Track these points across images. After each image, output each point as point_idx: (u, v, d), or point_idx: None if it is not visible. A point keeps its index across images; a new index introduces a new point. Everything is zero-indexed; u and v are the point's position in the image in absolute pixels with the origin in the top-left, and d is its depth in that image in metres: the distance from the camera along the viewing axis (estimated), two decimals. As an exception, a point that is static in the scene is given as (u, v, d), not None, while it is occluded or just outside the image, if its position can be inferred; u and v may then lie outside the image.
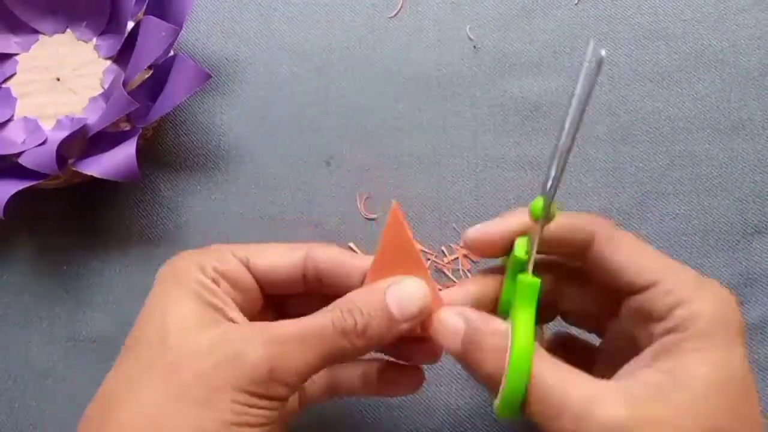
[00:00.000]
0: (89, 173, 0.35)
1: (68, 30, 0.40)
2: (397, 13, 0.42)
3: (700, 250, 0.38)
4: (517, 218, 0.26)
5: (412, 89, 0.41)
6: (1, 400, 0.38)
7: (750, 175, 0.38)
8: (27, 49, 0.40)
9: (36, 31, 0.40)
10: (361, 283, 0.27)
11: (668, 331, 0.23)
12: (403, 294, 0.25)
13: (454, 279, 0.38)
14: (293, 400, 0.29)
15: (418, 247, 0.25)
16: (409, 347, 0.28)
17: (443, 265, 0.38)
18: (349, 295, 0.25)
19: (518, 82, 0.41)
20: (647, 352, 0.24)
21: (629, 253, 0.25)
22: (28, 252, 0.40)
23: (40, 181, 0.35)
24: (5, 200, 0.35)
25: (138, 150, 0.35)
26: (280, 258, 0.27)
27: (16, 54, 0.40)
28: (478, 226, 0.27)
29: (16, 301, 0.39)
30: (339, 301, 0.25)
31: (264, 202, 0.40)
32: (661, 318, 0.24)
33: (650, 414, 0.22)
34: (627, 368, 0.24)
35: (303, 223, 0.39)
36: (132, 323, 0.38)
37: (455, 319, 0.25)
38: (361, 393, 0.30)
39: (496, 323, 0.24)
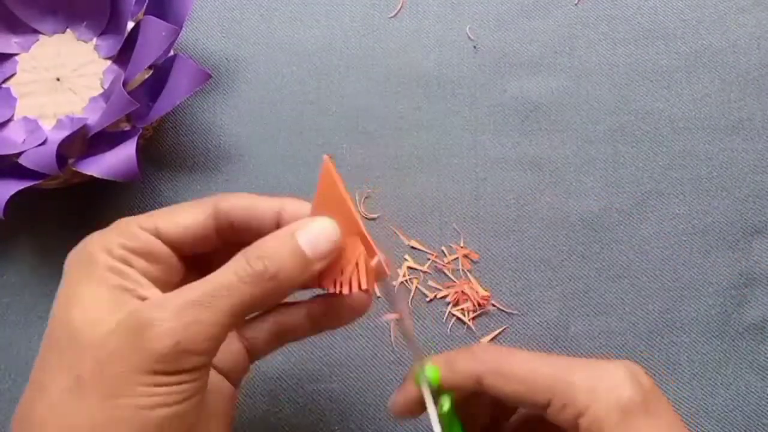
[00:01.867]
0: (89, 173, 0.35)
1: (68, 30, 0.40)
2: (397, 13, 0.42)
3: (700, 250, 0.38)
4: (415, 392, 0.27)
5: (412, 89, 0.41)
6: (1, 400, 0.38)
7: (750, 175, 0.38)
8: (27, 49, 0.40)
9: (36, 31, 0.40)
10: (276, 226, 0.26)
11: None
12: (314, 233, 0.24)
13: (454, 279, 0.38)
14: (240, 358, 0.28)
15: (353, 204, 0.25)
16: (332, 306, 0.28)
17: (443, 265, 0.38)
18: (258, 242, 0.24)
19: (518, 82, 0.41)
20: None
21: (519, 379, 0.26)
22: (28, 252, 0.40)
23: (40, 181, 0.35)
24: (5, 200, 0.35)
25: (138, 150, 0.35)
26: (188, 218, 0.26)
27: (16, 54, 0.40)
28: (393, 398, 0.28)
29: (16, 301, 0.39)
30: (246, 250, 0.24)
31: (264, 202, 0.40)
32: (571, 429, 0.25)
33: None
34: None
35: (303, 223, 0.39)
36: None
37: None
38: (309, 333, 0.28)
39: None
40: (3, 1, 0.39)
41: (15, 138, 0.38)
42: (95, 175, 0.35)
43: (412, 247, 0.39)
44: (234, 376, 0.28)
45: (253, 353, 0.28)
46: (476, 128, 0.40)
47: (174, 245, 0.26)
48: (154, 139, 0.41)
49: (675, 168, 0.39)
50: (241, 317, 0.23)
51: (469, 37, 0.42)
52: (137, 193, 0.40)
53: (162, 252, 0.26)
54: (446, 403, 0.27)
